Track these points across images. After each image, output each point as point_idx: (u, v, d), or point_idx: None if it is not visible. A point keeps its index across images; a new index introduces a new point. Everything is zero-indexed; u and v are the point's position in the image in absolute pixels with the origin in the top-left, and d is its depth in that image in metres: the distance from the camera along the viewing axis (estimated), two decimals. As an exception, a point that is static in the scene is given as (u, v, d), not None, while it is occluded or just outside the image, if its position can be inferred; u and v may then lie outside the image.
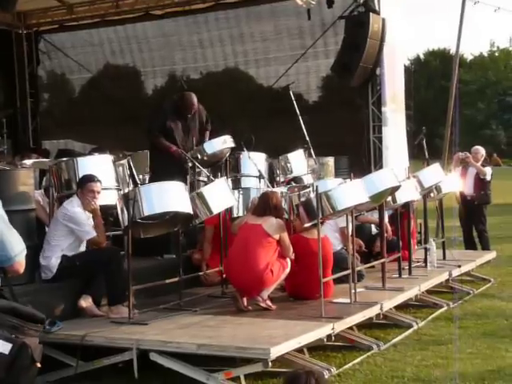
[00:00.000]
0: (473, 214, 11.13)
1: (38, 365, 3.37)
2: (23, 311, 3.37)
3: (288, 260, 6.66)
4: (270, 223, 6.59)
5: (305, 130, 9.92)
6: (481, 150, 11.36)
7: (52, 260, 6.37)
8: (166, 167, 8.09)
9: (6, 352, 3.24)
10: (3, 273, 3.48)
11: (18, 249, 3.40)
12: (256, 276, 6.41)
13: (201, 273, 7.49)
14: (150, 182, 8.42)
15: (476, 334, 6.75)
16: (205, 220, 7.23)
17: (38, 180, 8.27)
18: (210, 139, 8.85)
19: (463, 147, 11.77)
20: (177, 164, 8.26)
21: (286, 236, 6.64)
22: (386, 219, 8.45)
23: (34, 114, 14.40)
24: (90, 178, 6.61)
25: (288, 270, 6.64)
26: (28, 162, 9.04)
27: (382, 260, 7.59)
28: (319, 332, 5.72)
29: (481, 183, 11.14)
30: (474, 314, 7.65)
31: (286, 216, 7.28)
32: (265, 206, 6.74)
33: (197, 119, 8.80)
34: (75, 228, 6.41)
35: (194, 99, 8.59)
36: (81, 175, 6.78)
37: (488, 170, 11.24)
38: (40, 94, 14.77)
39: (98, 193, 6.57)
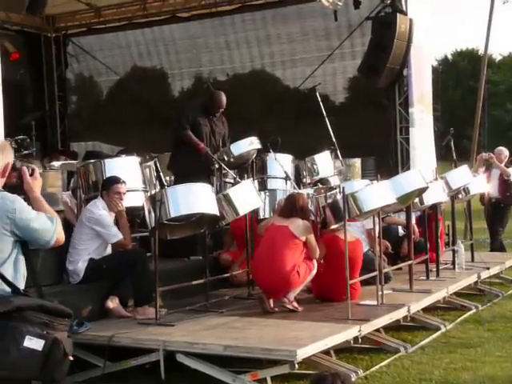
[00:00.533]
0: (496, 214, 11.02)
1: (71, 358, 3.43)
2: (51, 307, 3.43)
3: (314, 262, 6.64)
4: (297, 225, 6.57)
5: (331, 132, 9.89)
6: (504, 151, 11.25)
7: (79, 264, 6.39)
8: (190, 167, 8.11)
9: (40, 349, 3.31)
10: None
11: (50, 229, 3.51)
12: (282, 277, 6.40)
13: (227, 274, 7.49)
14: (174, 182, 8.44)
15: (505, 337, 6.67)
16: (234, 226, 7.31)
17: (66, 182, 8.36)
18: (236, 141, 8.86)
19: (491, 148, 11.66)
20: (201, 164, 8.27)
21: (312, 238, 6.62)
22: (414, 221, 8.39)
23: (63, 117, 14.52)
24: (115, 180, 6.64)
25: (314, 271, 6.62)
26: (56, 163, 9.13)
27: (410, 262, 7.54)
28: (346, 334, 5.69)
29: (505, 184, 11.03)
30: (503, 316, 7.57)
31: (312, 218, 7.26)
32: (291, 207, 6.72)
33: (221, 124, 8.82)
34: (101, 231, 6.43)
35: (224, 98, 8.63)
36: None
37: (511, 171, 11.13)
38: (68, 96, 14.91)
39: (124, 194, 6.60)
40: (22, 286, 3.50)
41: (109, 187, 6.59)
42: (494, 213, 11.02)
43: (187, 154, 8.41)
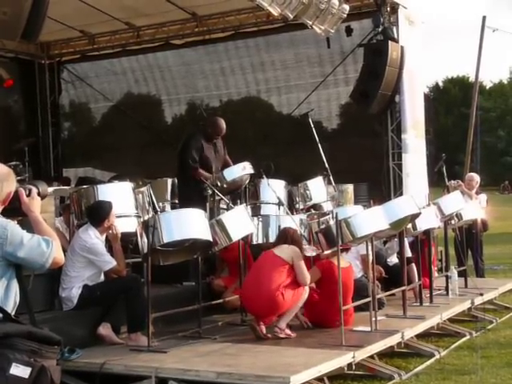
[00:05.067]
0: (469, 241, 10.71)
1: None
2: (40, 334, 3.39)
3: (306, 288, 6.60)
4: (281, 248, 6.61)
5: (324, 157, 9.92)
6: (475, 177, 11.17)
7: (73, 290, 6.34)
8: (192, 195, 8.15)
9: (26, 376, 3.27)
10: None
11: (45, 252, 3.44)
12: (267, 297, 6.33)
13: (220, 300, 7.46)
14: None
15: (499, 364, 6.63)
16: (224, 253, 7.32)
17: (58, 207, 8.33)
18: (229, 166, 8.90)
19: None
20: (199, 191, 8.30)
21: (301, 263, 6.57)
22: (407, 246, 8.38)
23: (56, 143, 14.53)
24: (110, 204, 6.61)
25: (305, 296, 6.57)
26: (49, 189, 9.09)
27: (403, 288, 7.52)
28: (340, 360, 5.66)
29: None
30: (497, 343, 7.53)
31: (305, 243, 7.25)
32: (284, 238, 6.76)
33: (221, 145, 8.94)
34: (95, 259, 6.39)
35: (224, 124, 8.81)
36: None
37: (482, 197, 11.01)
38: (62, 122, 14.92)
39: None
40: (12, 311, 3.47)
41: (109, 213, 6.52)
42: (466, 239, 10.77)
43: (189, 181, 8.48)
